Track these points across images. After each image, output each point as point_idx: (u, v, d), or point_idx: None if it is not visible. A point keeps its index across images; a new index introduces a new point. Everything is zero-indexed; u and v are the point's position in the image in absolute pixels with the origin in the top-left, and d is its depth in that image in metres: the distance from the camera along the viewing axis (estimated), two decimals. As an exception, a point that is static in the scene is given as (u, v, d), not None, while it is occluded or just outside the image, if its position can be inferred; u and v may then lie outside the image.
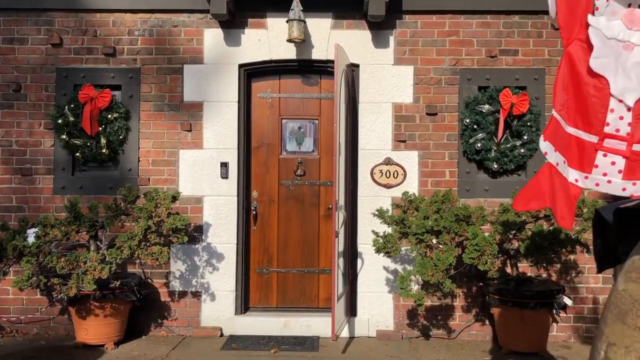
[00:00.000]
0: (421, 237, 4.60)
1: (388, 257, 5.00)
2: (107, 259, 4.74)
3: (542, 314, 4.91)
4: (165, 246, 4.95)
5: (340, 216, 4.87)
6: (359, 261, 5.65)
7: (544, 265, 5.25)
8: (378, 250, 4.79)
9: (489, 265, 4.37)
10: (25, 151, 5.72)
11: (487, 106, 5.48)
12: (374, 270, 5.61)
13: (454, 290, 5.12)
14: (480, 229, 4.65)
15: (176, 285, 5.67)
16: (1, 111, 5.72)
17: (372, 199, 5.62)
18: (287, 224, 5.88)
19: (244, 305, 5.77)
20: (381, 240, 4.82)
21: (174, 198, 5.14)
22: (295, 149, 5.93)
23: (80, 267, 4.65)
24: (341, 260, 5.16)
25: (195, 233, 5.68)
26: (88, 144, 5.60)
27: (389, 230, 5.06)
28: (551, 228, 4.79)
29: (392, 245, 4.73)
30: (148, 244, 4.89)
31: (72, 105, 5.57)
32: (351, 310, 5.64)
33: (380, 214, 4.98)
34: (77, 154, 5.63)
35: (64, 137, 5.55)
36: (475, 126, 5.49)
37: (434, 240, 4.68)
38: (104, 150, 5.56)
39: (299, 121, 5.93)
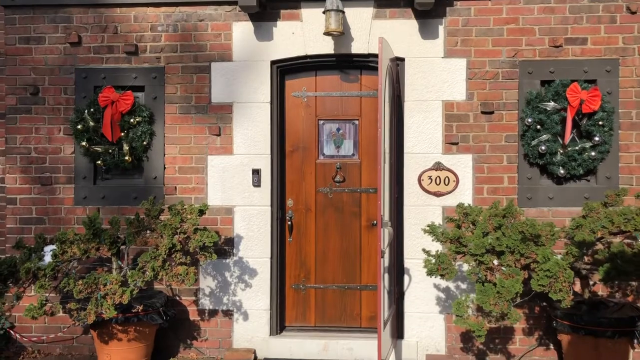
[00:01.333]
0: (480, 258, 3.99)
1: (441, 279, 4.41)
2: (128, 282, 4.29)
3: (621, 344, 4.26)
4: (192, 266, 4.47)
5: (385, 234, 4.30)
6: (406, 278, 5.08)
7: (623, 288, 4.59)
8: (430, 273, 4.20)
9: (563, 295, 3.74)
10: (45, 159, 5.33)
11: (552, 103, 4.81)
12: (422, 288, 5.03)
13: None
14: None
15: (206, 303, 5.22)
16: (19, 116, 5.33)
17: (420, 208, 5.04)
18: (326, 235, 5.35)
19: (279, 324, 5.28)
20: (433, 261, 4.23)
21: (201, 212, 4.66)
22: (334, 152, 5.38)
23: (100, 291, 4.22)
24: (386, 276, 4.60)
25: (225, 247, 5.20)
26: (110, 150, 5.18)
27: (441, 248, 4.47)
28: (637, 250, 4.06)
29: (446, 267, 4.14)
30: (173, 264, 4.43)
31: (91, 110, 5.15)
32: (398, 332, 5.09)
33: (432, 230, 4.39)
34: (99, 162, 5.21)
35: (84, 143, 5.14)
36: (538, 126, 4.82)
37: (495, 262, 4.07)
38: (126, 158, 5.13)
39: (338, 122, 5.36)
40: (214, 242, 4.51)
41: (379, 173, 4.19)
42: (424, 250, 4.49)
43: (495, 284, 3.90)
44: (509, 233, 4.07)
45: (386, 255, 4.50)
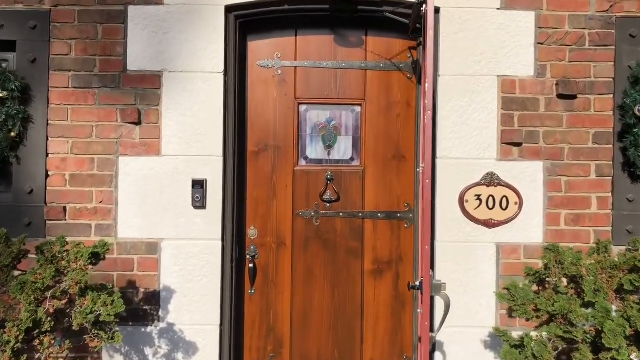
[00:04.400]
0: (617, 355, 2.13)
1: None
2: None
3: None
4: (79, 354, 2.45)
5: (437, 303, 2.39)
6: (438, 356, 3.20)
7: None
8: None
9: None
10: None
11: (677, 82, 3.05)
12: (464, 373, 3.17)
13: None
14: None
15: (112, 399, 3.19)
16: None
17: (462, 246, 3.18)
18: (308, 284, 3.41)
19: None
20: (522, 358, 2.32)
21: (96, 257, 2.61)
22: (323, 155, 3.47)
23: None
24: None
25: (146, 306, 3.19)
26: (-48, 146, 3.11)
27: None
28: None
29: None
30: (39, 356, 2.38)
31: None
32: None
33: (513, 295, 2.48)
34: None
35: None
36: (655, 119, 3.06)
37: (634, 357, 2.22)
38: (-20, 158, 3.08)
39: (329, 108, 3.46)
40: (117, 313, 2.48)
41: (423, 189, 2.28)
42: (497, 329, 2.60)
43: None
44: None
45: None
